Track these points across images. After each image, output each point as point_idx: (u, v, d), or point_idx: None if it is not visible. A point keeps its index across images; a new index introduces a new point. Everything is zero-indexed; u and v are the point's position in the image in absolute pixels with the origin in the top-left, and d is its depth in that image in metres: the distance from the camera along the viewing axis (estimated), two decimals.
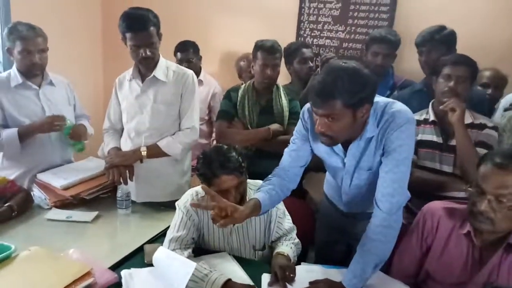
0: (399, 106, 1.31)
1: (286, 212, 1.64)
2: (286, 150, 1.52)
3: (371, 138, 1.32)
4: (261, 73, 2.04)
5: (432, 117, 1.77)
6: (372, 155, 1.34)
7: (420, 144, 1.77)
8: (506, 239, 1.23)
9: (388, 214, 1.28)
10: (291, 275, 1.37)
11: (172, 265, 1.33)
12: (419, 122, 1.79)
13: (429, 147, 1.76)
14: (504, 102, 2.15)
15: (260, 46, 2.05)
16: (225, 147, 1.48)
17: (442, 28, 2.04)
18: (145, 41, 1.80)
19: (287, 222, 1.62)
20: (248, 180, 1.57)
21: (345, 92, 1.18)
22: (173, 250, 1.44)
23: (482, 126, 1.70)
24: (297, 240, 1.61)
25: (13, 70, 2.05)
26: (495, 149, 1.62)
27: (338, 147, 1.39)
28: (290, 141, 1.52)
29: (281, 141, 1.98)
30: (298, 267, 1.45)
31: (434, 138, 1.76)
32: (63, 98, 2.17)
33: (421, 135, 1.79)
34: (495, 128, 1.71)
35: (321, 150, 1.44)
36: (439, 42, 2.01)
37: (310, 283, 1.36)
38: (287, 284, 1.35)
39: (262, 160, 1.97)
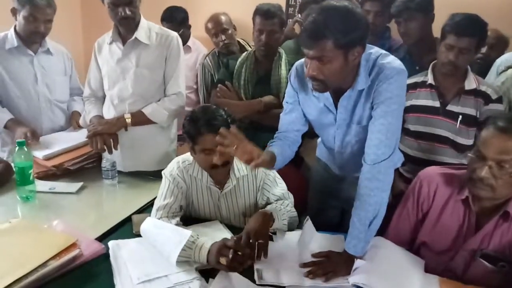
0: (391, 58, 1.28)
1: (280, 181, 1.58)
2: (281, 114, 1.49)
3: (362, 91, 1.29)
4: (257, 39, 1.90)
5: (430, 80, 1.70)
6: (362, 107, 1.31)
7: (413, 109, 1.72)
8: (504, 206, 1.20)
9: (371, 165, 1.25)
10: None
11: (163, 234, 1.30)
12: (415, 85, 1.73)
13: (425, 112, 1.71)
14: (499, 63, 2.06)
15: (256, 10, 1.89)
16: (214, 107, 1.46)
17: None
18: None
19: (279, 189, 1.56)
20: None
21: (336, 31, 1.14)
22: (160, 218, 1.42)
23: (486, 97, 1.62)
24: (293, 209, 1.54)
25: (10, 32, 1.97)
26: (498, 113, 1.56)
27: (329, 102, 1.34)
28: (283, 104, 1.48)
29: (275, 115, 1.86)
30: (293, 233, 1.44)
31: (430, 102, 1.70)
32: (58, 67, 2.14)
33: (414, 100, 1.73)
34: (499, 100, 1.64)
35: (312, 108, 1.41)
36: (414, 10, 1.92)
37: (313, 255, 1.32)
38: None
39: (257, 133, 1.88)
